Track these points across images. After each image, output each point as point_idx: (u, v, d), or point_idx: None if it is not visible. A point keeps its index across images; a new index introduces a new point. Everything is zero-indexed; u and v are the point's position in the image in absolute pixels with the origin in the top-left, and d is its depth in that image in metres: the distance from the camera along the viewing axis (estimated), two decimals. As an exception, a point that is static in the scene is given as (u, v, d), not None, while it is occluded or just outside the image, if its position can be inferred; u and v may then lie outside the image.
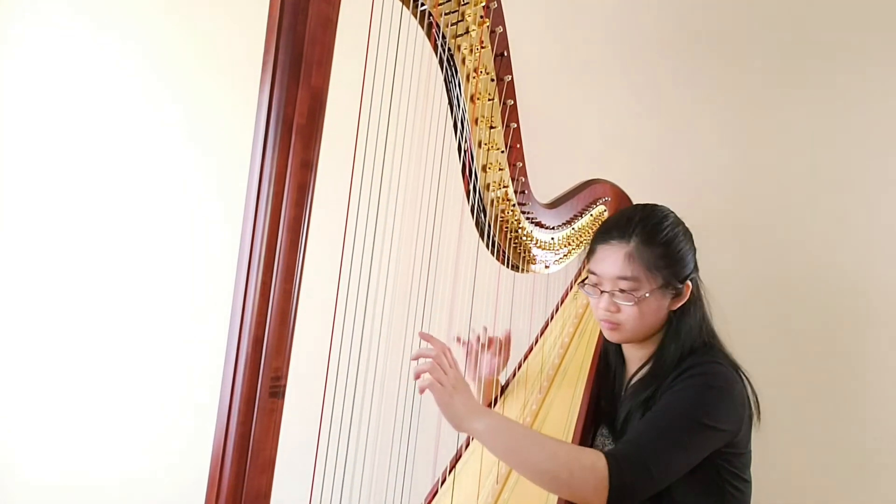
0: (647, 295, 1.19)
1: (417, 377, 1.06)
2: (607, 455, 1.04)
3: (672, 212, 1.29)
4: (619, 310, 1.22)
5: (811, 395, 1.82)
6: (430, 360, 1.06)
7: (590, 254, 1.28)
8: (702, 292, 1.28)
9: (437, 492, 1.31)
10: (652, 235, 1.21)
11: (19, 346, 2.31)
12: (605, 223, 1.32)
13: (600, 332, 1.40)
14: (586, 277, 1.28)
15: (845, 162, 1.81)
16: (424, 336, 1.09)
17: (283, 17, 0.72)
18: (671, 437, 1.08)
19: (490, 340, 1.45)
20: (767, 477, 1.44)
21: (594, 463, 1.02)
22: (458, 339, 1.42)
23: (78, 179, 2.29)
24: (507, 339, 1.50)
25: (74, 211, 2.29)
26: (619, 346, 1.36)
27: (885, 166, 1.79)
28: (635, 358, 1.31)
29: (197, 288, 2.22)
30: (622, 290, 1.20)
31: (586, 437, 1.30)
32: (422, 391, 1.06)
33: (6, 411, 2.32)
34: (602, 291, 1.23)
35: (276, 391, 0.75)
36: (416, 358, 1.07)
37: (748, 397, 1.20)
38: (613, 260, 1.21)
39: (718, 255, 1.80)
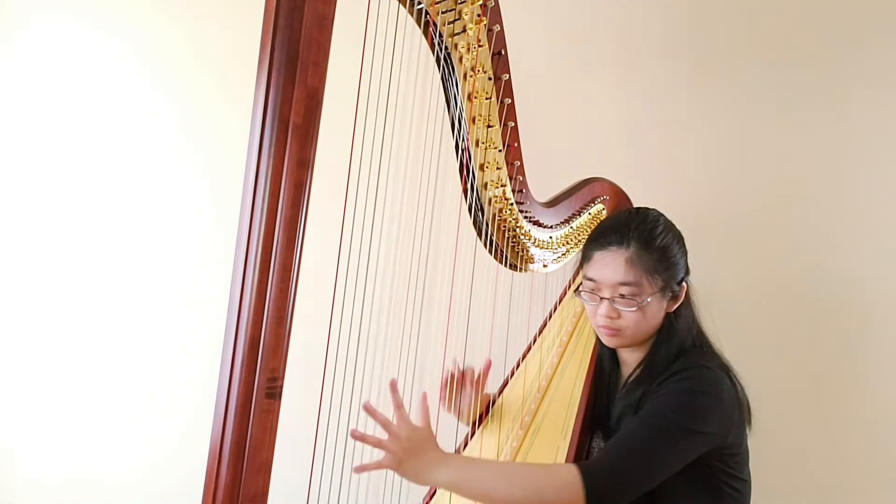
0: (649, 300, 1.19)
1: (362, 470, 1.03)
2: (581, 467, 1.05)
3: (662, 215, 1.28)
4: (619, 316, 1.21)
5: (809, 394, 1.82)
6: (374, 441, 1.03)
7: (585, 260, 1.26)
8: (691, 294, 1.28)
9: (435, 492, 1.31)
10: (650, 240, 1.20)
11: (19, 345, 2.31)
12: (598, 229, 1.30)
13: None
14: (580, 285, 1.27)
15: (844, 162, 1.81)
16: (368, 409, 1.04)
17: (279, 16, 0.72)
18: (647, 444, 1.08)
19: (462, 375, 1.39)
20: (766, 476, 1.44)
21: (565, 479, 1.03)
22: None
23: (74, 179, 2.29)
24: (487, 368, 1.43)
25: (72, 210, 2.29)
26: (613, 350, 1.34)
27: (885, 166, 1.79)
28: (630, 360, 1.30)
29: (193, 287, 2.21)
30: (622, 296, 1.19)
31: (584, 436, 1.30)
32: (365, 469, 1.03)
33: (6, 409, 2.31)
34: (602, 298, 1.22)
35: (273, 392, 0.75)
36: (358, 439, 1.02)
37: (738, 398, 1.19)
38: (614, 266, 1.19)
39: (717, 255, 1.80)
